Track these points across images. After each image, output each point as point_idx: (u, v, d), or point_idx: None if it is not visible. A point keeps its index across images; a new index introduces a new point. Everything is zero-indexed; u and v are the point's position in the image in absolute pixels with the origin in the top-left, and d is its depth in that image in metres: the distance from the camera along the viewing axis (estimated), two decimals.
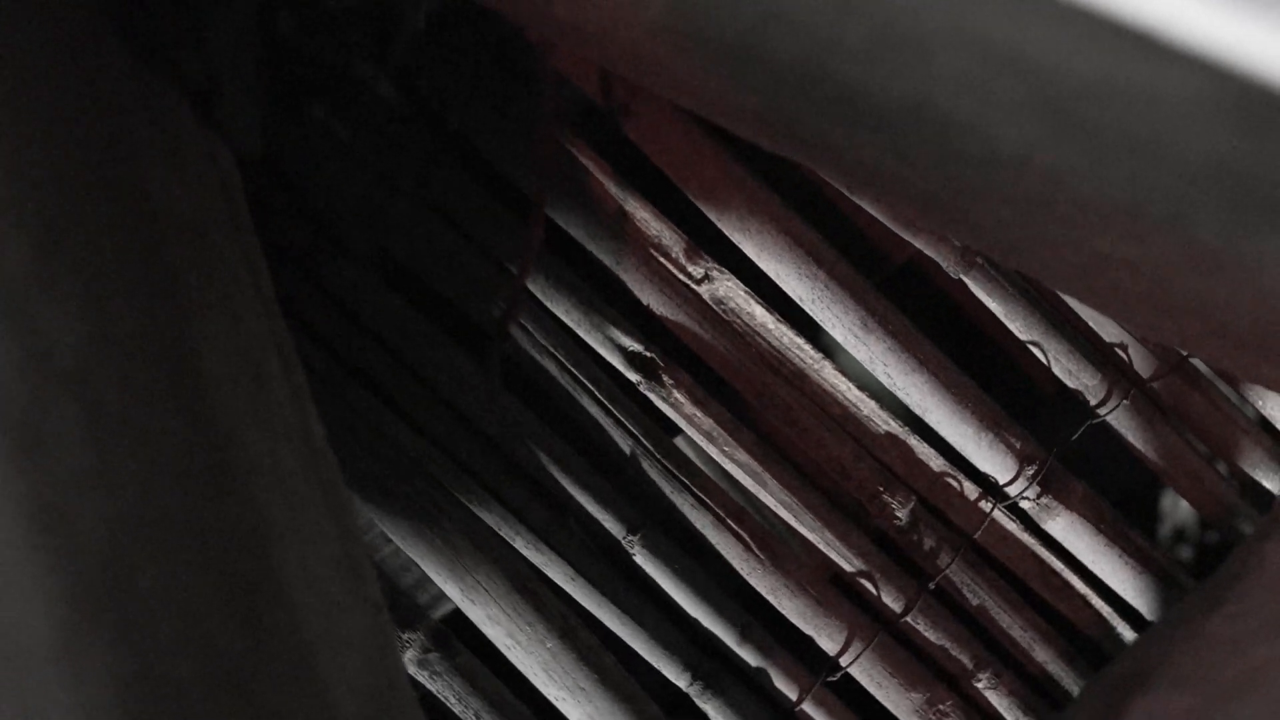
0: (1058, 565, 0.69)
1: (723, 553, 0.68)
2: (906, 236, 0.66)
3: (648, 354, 0.66)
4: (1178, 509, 0.90)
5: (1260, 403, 0.68)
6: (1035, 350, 0.67)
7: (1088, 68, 0.31)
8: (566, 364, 0.66)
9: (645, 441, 0.67)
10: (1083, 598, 0.69)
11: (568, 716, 0.67)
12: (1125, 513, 0.71)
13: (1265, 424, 0.70)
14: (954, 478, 0.68)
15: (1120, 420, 0.68)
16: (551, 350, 0.66)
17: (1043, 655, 0.69)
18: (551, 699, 0.67)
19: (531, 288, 0.64)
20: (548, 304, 0.65)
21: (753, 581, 0.68)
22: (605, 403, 0.66)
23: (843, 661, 0.68)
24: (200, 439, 0.42)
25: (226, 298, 0.49)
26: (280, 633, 0.43)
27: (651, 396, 0.67)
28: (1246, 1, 0.27)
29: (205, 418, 0.43)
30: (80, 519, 0.34)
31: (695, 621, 0.68)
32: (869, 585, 0.68)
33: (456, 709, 0.66)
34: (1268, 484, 0.69)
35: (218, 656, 0.39)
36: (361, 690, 0.49)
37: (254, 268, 0.54)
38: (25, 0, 0.38)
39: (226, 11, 0.49)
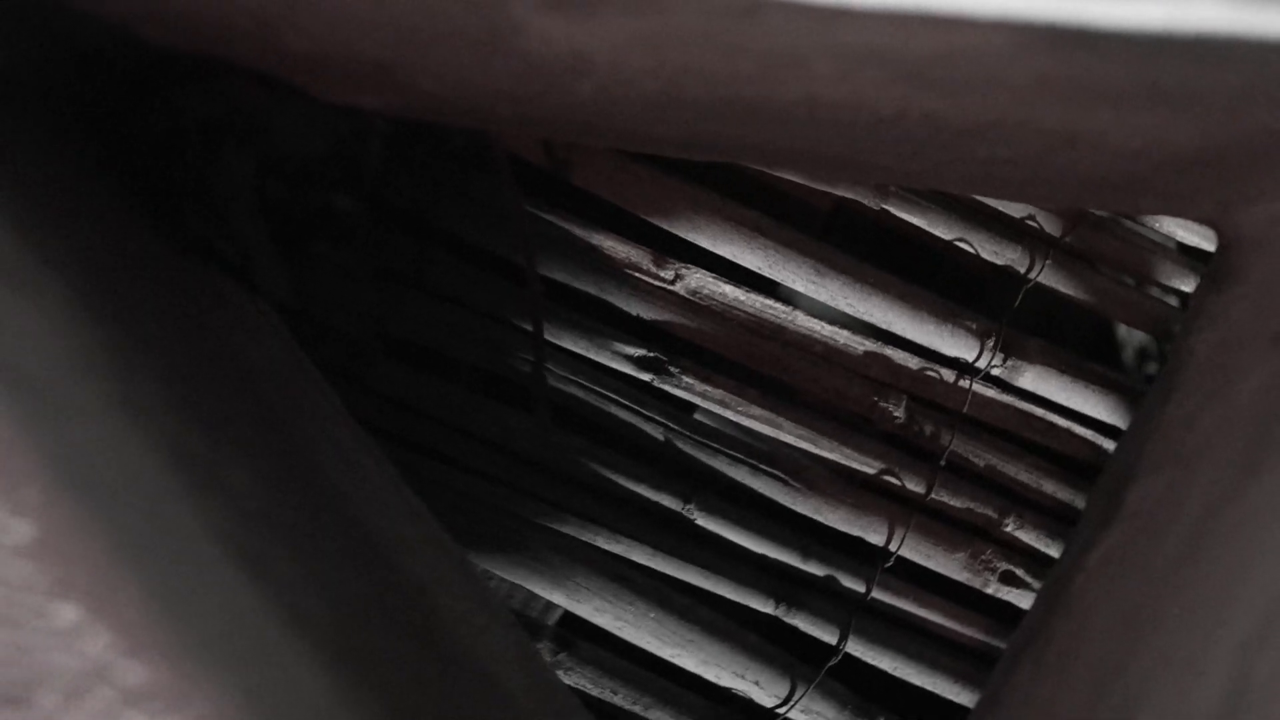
0: (1039, 411, 0.72)
1: (766, 493, 0.71)
2: (826, 188, 0.68)
3: (651, 354, 0.69)
4: (1132, 335, 0.92)
5: (1157, 225, 0.72)
6: (963, 245, 0.70)
7: (927, 44, 0.37)
8: (589, 385, 0.69)
9: (674, 425, 0.70)
10: (1067, 430, 0.72)
11: (685, 667, 0.70)
12: (1090, 354, 0.73)
13: (1171, 241, 0.73)
14: (932, 370, 0.71)
15: (1050, 278, 0.71)
16: (573, 378, 0.69)
17: (1051, 488, 0.73)
18: (669, 658, 0.70)
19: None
20: (558, 342, 0.69)
21: (797, 508, 0.71)
22: (631, 405, 0.69)
23: (892, 548, 0.71)
24: (349, 530, 0.50)
25: (316, 419, 0.56)
26: (463, 661, 0.52)
27: (666, 388, 0.70)
28: None
29: (345, 514, 0.51)
30: (312, 611, 0.42)
31: (762, 556, 0.71)
32: (893, 479, 0.72)
33: (595, 692, 0.69)
34: (1187, 289, 0.72)
35: (434, 691, 0.48)
36: (529, 690, 0.57)
37: (322, 389, 0.60)
38: (112, 233, 0.47)
39: (241, 198, 0.57)
